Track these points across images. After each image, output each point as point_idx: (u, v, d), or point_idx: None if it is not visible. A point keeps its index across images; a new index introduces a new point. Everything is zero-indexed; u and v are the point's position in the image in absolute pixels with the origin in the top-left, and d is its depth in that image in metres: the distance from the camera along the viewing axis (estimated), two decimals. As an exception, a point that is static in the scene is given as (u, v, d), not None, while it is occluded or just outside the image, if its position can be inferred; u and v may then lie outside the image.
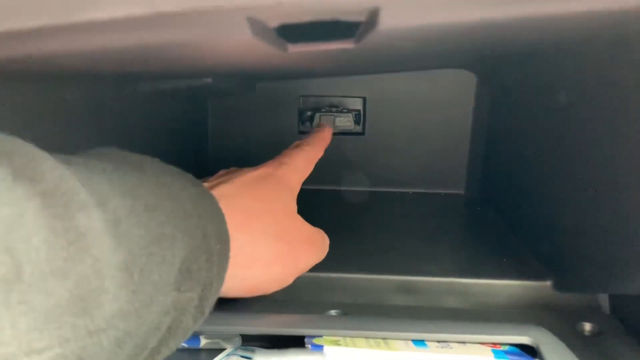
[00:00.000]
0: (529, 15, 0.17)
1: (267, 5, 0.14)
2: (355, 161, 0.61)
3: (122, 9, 0.13)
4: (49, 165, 0.17)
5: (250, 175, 0.35)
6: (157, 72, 0.35)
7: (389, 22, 0.15)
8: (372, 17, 0.15)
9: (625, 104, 0.29)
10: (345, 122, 0.59)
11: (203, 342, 0.31)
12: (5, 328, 0.14)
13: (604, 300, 0.35)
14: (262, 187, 0.34)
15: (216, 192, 0.29)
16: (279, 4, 0.13)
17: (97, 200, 0.18)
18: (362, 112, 0.59)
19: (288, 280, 0.34)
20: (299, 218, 0.36)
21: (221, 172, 0.38)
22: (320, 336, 0.31)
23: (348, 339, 0.31)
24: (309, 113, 0.60)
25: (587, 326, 0.32)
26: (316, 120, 0.58)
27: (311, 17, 0.16)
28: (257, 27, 0.16)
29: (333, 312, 0.34)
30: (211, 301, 0.25)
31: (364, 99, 0.59)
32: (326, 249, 0.38)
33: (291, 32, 0.20)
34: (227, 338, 0.32)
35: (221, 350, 0.31)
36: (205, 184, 0.32)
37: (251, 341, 0.32)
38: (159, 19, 0.14)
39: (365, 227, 0.47)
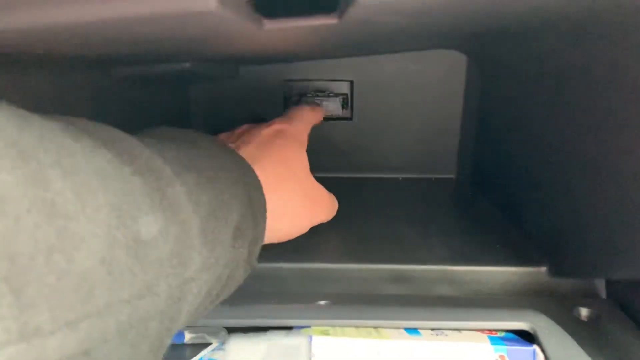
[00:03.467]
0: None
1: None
2: (343, 147, 0.59)
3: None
4: (139, 149, 0.20)
5: (265, 134, 0.39)
6: (129, 56, 0.33)
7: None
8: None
9: (623, 84, 0.27)
10: (333, 107, 0.57)
11: (187, 337, 0.30)
12: (138, 274, 0.18)
13: (600, 284, 0.34)
14: (282, 146, 0.38)
15: (244, 156, 0.33)
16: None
17: (175, 175, 0.22)
18: (349, 96, 0.58)
19: (306, 228, 0.40)
20: (313, 179, 0.41)
21: (237, 130, 0.42)
22: (309, 326, 0.30)
23: (338, 329, 0.30)
24: (294, 98, 0.58)
25: (584, 311, 0.32)
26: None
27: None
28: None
29: (322, 302, 0.33)
30: (257, 255, 0.30)
31: (352, 83, 0.57)
32: (335, 208, 0.43)
33: (268, 7, 0.19)
34: (213, 332, 0.31)
35: (207, 344, 0.30)
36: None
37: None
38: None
39: (354, 214, 0.45)
